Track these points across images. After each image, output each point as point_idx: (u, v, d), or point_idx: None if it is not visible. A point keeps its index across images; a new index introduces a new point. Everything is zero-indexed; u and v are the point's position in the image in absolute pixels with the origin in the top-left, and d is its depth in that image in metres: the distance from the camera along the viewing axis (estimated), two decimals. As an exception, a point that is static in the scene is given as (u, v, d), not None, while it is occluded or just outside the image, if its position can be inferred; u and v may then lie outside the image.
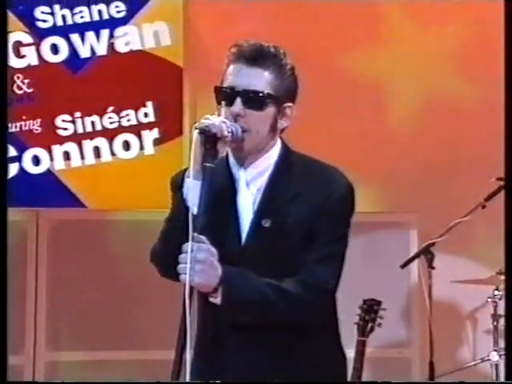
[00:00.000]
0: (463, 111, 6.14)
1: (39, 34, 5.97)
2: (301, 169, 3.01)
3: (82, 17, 6.02)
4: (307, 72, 3.52)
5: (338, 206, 2.95)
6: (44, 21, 6.02)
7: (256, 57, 2.94)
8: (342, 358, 3.18)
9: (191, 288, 2.74)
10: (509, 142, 3.53)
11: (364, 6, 6.19)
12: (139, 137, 6.16)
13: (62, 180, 5.83)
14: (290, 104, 2.97)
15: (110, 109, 6.10)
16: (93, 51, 6.01)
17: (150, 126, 6.12)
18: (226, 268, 2.82)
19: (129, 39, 6.07)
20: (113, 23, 6.02)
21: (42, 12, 6.03)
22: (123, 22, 6.02)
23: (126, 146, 6.14)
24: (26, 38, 5.93)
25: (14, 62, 5.87)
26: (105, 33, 5.98)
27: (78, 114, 5.95)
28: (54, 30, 6.00)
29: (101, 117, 6.15)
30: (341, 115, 6.17)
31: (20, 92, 5.83)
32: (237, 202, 2.97)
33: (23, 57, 5.89)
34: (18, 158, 5.93)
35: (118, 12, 6.00)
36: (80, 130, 5.68)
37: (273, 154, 2.99)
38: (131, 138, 6.13)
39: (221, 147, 2.83)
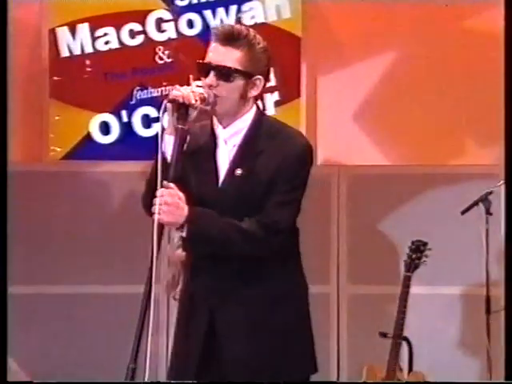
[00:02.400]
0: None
1: (177, 11, 6.48)
2: (269, 130, 3.47)
3: None
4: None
5: (295, 162, 3.41)
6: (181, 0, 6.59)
7: (228, 38, 3.37)
8: (300, 288, 3.57)
9: (161, 225, 3.23)
10: (509, 142, 3.45)
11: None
12: (262, 99, 6.43)
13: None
14: (259, 77, 3.39)
15: None
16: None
17: (271, 90, 6.51)
18: (192, 209, 3.31)
19: (254, 13, 6.55)
20: (239, 0, 6.50)
21: None
22: None
23: None
24: (167, 15, 6.45)
25: (155, 35, 6.40)
26: (233, 8, 6.46)
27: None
28: (190, 7, 6.50)
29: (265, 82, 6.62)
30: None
31: (161, 62, 6.35)
32: (216, 154, 3.49)
33: (164, 31, 6.44)
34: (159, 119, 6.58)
35: None
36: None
37: (247, 118, 3.45)
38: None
39: (191, 111, 3.30)
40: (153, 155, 3.43)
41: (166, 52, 6.38)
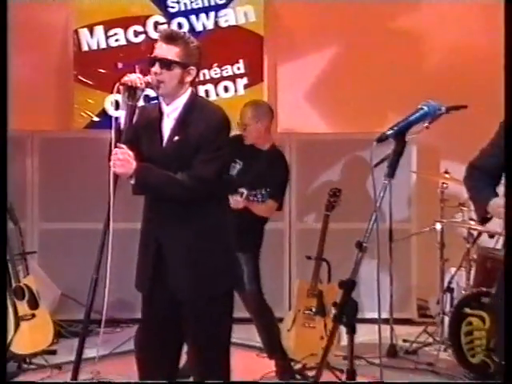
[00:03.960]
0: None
1: (169, 16, 7.28)
2: (198, 107, 3.77)
3: (196, 4, 7.28)
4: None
5: (215, 130, 3.72)
6: (172, 7, 7.29)
7: (169, 37, 3.70)
8: (221, 222, 3.88)
9: (116, 175, 3.57)
10: (509, 142, 3.45)
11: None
12: (234, 83, 7.42)
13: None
14: (192, 67, 3.70)
15: (215, 64, 7.29)
16: (204, 27, 7.30)
17: (241, 76, 7.38)
18: (139, 164, 3.61)
19: (227, 18, 7.37)
20: (217, 7, 7.29)
21: (172, 1, 7.28)
22: (224, 6, 7.31)
23: (225, 89, 7.46)
24: (162, 19, 7.27)
25: (153, 35, 7.11)
26: (212, 14, 7.29)
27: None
28: (179, 13, 7.30)
29: (208, 70, 7.26)
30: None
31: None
32: (161, 125, 3.80)
33: (160, 31, 6.28)
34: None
35: (220, 0, 7.29)
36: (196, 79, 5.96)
37: (184, 98, 3.76)
38: (229, 84, 7.43)
39: (138, 92, 3.62)
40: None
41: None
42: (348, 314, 2.87)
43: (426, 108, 3.12)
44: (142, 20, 7.34)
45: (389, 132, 2.99)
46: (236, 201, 4.97)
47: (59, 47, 7.44)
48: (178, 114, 3.76)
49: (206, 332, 3.84)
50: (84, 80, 7.36)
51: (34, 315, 5.73)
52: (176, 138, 3.74)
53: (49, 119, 7.25)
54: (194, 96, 3.85)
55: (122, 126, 3.62)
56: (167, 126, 3.79)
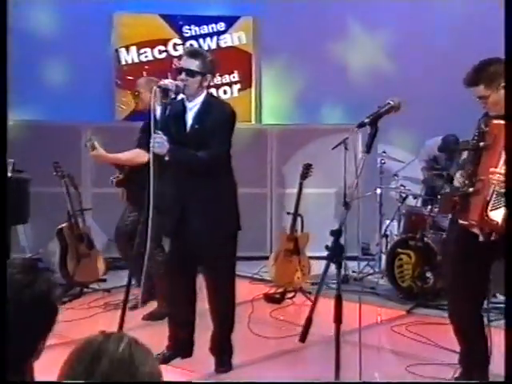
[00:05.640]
0: None
1: (184, 39, 7.32)
2: (212, 104, 3.74)
3: (203, 30, 7.36)
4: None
5: (225, 120, 3.70)
6: (186, 33, 7.34)
7: (192, 53, 3.73)
8: (231, 186, 3.82)
9: (154, 154, 3.52)
10: (509, 142, 3.03)
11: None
12: (230, 87, 7.49)
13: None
14: (209, 75, 3.69)
15: (217, 74, 6.48)
16: (209, 47, 7.27)
17: (235, 82, 7.45)
18: (171, 146, 3.57)
19: (226, 41, 7.45)
20: (218, 33, 7.36)
21: (186, 28, 7.35)
22: (223, 32, 7.37)
23: (224, 92, 7.49)
24: (178, 41, 7.31)
25: (172, 52, 7.18)
26: (215, 38, 7.38)
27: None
28: (191, 37, 7.36)
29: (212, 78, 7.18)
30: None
31: (175, 67, 6.38)
32: (185, 117, 3.74)
33: (177, 50, 7.20)
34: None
35: (221, 28, 7.36)
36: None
37: (201, 97, 3.73)
38: (227, 88, 7.48)
39: (170, 93, 3.56)
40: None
41: (179, 62, 6.12)
42: (336, 254, 2.72)
43: (392, 102, 2.98)
44: (164, 42, 7.33)
45: (366, 120, 2.88)
46: None
47: (105, 61, 7.36)
48: (197, 108, 3.74)
49: (221, 264, 3.85)
50: (122, 85, 7.31)
51: (90, 254, 5.79)
52: (196, 126, 3.73)
53: (98, 113, 7.16)
54: (209, 96, 3.86)
55: (158, 117, 3.61)
56: (189, 117, 3.76)
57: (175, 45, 7.29)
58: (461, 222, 3.36)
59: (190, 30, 7.31)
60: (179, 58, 3.94)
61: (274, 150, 7.04)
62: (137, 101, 4.99)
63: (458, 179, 3.38)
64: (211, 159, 3.64)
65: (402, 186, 6.35)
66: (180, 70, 3.68)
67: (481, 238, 3.29)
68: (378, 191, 6.40)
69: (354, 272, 6.44)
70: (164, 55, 7.32)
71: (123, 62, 7.32)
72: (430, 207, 5.67)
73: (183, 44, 7.27)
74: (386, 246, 6.39)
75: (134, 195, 4.91)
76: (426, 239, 5.50)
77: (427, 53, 7.00)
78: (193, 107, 3.73)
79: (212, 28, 7.32)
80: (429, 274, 5.48)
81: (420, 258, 5.50)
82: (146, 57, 7.31)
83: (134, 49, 7.29)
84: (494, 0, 5.42)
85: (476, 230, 3.31)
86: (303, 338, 2.50)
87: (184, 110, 3.74)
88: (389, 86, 6.69)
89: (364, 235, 7.18)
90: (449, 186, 5.14)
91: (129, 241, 4.64)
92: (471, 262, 3.42)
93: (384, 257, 6.12)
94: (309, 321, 2.48)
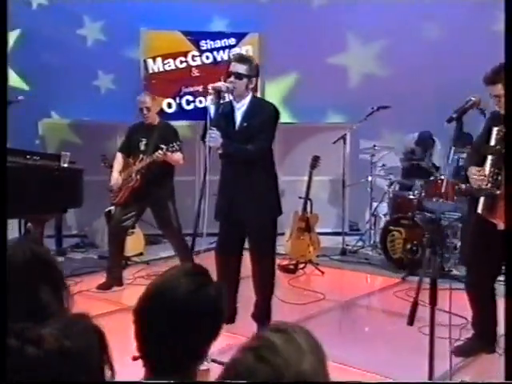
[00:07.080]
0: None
1: (201, 51, 6.87)
2: (258, 103, 3.58)
3: (217, 44, 6.88)
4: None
5: (269, 119, 3.51)
6: (203, 46, 6.87)
7: (240, 59, 3.54)
8: (272, 175, 3.61)
9: (209, 147, 3.35)
10: (509, 143, 2.75)
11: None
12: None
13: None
14: (254, 78, 3.50)
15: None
16: (221, 58, 6.84)
17: None
18: (224, 140, 3.41)
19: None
20: (229, 47, 6.87)
21: (202, 42, 6.87)
22: (234, 46, 6.87)
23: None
24: (196, 53, 6.86)
25: (191, 63, 6.76)
26: (226, 51, 6.89)
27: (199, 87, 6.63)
28: (207, 50, 6.90)
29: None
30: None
31: (194, 75, 6.76)
32: (234, 115, 3.54)
33: (195, 61, 6.82)
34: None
35: (232, 42, 6.91)
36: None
37: (248, 98, 3.54)
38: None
39: (223, 94, 3.41)
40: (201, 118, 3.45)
41: (196, 71, 6.76)
42: (435, 243, 2.45)
43: (473, 99, 2.76)
44: (184, 54, 6.90)
45: (454, 115, 2.68)
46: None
47: (135, 70, 6.96)
48: (245, 108, 3.55)
49: (265, 244, 3.67)
50: (150, 90, 6.61)
51: (133, 232, 5.55)
52: (245, 124, 3.54)
53: (131, 114, 6.53)
54: (255, 97, 3.69)
55: (212, 115, 3.40)
56: (238, 116, 3.57)
57: (193, 56, 6.90)
58: (488, 218, 3.16)
59: (206, 43, 6.88)
60: (228, 63, 3.64)
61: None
62: (147, 115, 4.67)
63: (474, 175, 3.15)
64: (258, 151, 3.46)
65: (390, 173, 6.17)
66: (229, 74, 3.47)
67: (500, 227, 3.08)
68: (370, 178, 6.18)
69: (347, 246, 6.20)
70: (184, 65, 6.91)
71: (150, 71, 6.90)
72: (416, 192, 5.52)
73: (200, 56, 6.87)
74: (375, 223, 6.18)
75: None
76: (415, 218, 5.37)
77: (412, 62, 6.73)
78: (240, 107, 3.54)
79: (224, 42, 6.89)
80: (415, 248, 5.37)
81: (410, 234, 5.38)
82: (169, 66, 6.90)
83: (159, 59, 6.87)
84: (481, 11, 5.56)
85: (500, 226, 3.10)
86: (411, 321, 2.19)
87: (232, 109, 3.54)
88: (380, 91, 6.49)
89: (352, 215, 6.94)
90: (432, 176, 5.33)
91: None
92: (489, 241, 3.22)
93: (373, 232, 6.08)
94: (415, 304, 2.10)
